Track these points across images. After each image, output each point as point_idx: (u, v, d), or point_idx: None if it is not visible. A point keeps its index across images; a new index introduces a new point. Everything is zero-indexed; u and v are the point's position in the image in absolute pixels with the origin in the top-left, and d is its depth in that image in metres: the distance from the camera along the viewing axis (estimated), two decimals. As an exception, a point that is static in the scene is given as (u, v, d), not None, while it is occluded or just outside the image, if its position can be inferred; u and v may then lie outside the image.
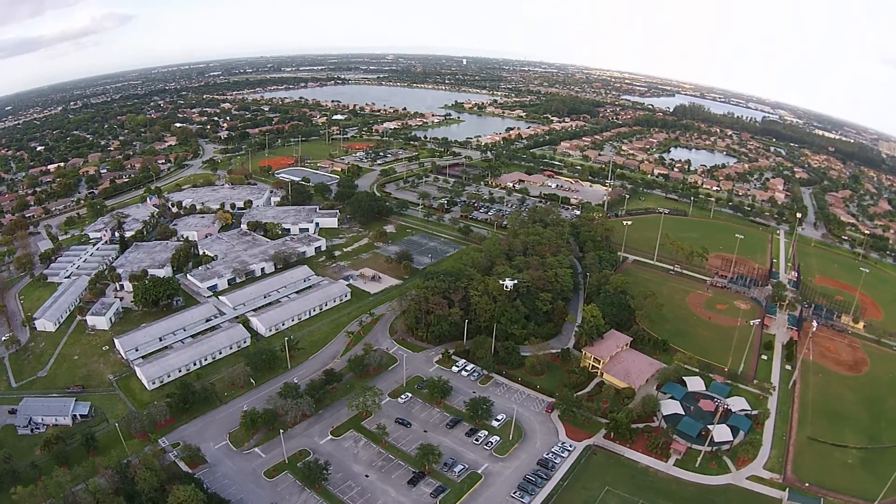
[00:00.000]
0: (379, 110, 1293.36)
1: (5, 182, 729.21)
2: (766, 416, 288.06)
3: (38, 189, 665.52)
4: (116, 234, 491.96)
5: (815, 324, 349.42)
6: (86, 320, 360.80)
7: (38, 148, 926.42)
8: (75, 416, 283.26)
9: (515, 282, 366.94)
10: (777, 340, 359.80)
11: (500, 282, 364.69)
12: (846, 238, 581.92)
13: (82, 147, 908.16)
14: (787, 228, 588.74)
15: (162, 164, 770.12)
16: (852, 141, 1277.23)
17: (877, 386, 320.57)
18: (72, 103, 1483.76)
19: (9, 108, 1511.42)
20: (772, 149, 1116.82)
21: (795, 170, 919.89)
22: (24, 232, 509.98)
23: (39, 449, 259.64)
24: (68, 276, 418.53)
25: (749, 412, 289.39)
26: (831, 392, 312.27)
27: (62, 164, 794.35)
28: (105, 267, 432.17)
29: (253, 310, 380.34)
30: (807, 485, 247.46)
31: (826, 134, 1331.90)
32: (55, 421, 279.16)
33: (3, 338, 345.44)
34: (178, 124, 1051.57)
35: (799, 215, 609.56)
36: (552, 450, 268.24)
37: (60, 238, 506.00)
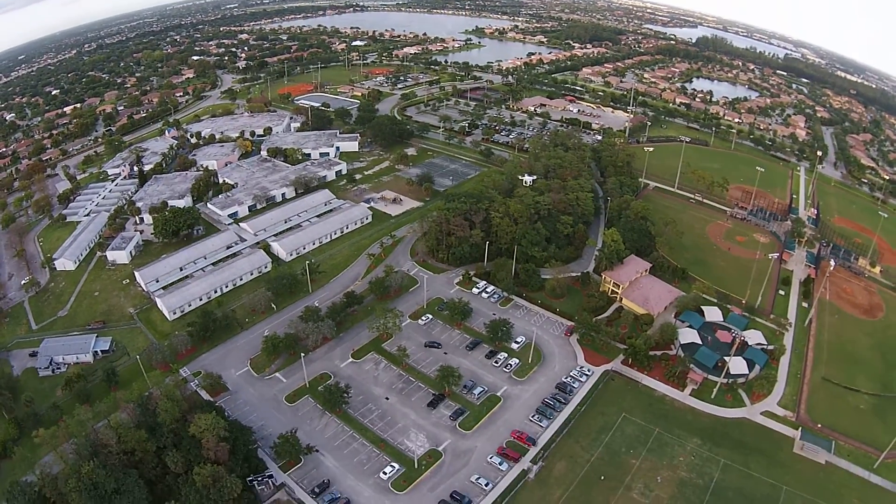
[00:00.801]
0: (399, 36, 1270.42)
1: (21, 128, 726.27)
2: (782, 352, 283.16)
3: (54, 132, 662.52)
4: (135, 168, 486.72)
5: (832, 263, 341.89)
6: (106, 256, 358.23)
7: (54, 92, 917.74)
8: (96, 352, 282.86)
9: (535, 177, 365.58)
10: (795, 277, 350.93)
11: (520, 177, 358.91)
12: (866, 181, 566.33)
13: (98, 87, 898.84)
14: (808, 166, 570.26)
15: (180, 97, 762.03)
16: (874, 86, 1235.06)
17: (892, 333, 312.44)
18: (86, 46, 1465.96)
19: (22, 56, 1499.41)
20: (794, 86, 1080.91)
21: (817, 108, 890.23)
22: (41, 175, 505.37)
23: (61, 389, 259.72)
24: (87, 215, 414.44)
25: (765, 346, 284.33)
26: (846, 334, 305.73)
27: (78, 104, 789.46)
28: (124, 202, 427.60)
29: (274, 235, 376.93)
30: (819, 426, 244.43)
31: (848, 76, 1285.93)
32: (76, 359, 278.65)
33: (23, 281, 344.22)
34: (195, 57, 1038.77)
35: (819, 153, 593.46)
36: (571, 374, 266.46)
37: (79, 177, 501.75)
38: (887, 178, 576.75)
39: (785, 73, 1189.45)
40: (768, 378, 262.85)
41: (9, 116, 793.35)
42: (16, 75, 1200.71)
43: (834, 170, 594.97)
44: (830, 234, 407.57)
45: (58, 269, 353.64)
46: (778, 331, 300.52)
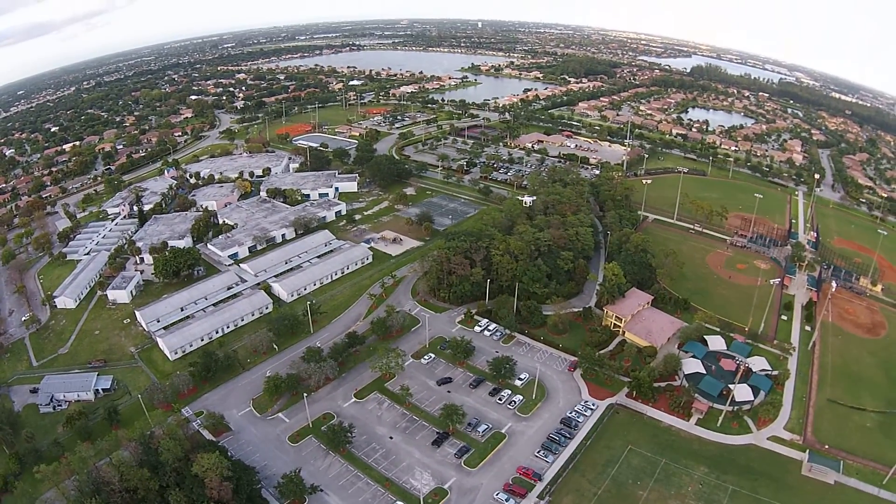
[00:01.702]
0: (395, 75, 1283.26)
1: (21, 164, 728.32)
2: (787, 376, 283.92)
3: (53, 169, 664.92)
4: (135, 208, 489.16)
5: (833, 285, 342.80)
6: (106, 295, 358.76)
7: (53, 129, 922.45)
8: (97, 390, 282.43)
9: (535, 198, 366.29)
10: (796, 301, 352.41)
11: (519, 198, 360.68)
12: (864, 201, 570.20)
13: (97, 125, 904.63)
14: (806, 189, 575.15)
15: (178, 136, 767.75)
16: (869, 105, 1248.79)
17: (895, 349, 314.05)
18: (85, 83, 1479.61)
19: (21, 92, 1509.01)
20: (789, 110, 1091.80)
21: (812, 132, 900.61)
22: (41, 212, 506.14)
23: (62, 426, 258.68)
24: (87, 253, 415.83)
25: (769, 372, 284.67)
26: (850, 354, 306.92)
27: (77, 142, 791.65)
28: (124, 241, 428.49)
29: (274, 276, 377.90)
30: (826, 447, 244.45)
31: (843, 97, 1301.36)
32: (77, 397, 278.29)
33: (24, 318, 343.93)
34: (193, 97, 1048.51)
35: (817, 176, 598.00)
36: (575, 408, 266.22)
37: (78, 216, 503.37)
38: (885, 195, 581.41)
39: (780, 98, 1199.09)
40: (774, 403, 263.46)
41: (8, 152, 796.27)
42: (15, 110, 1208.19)
43: (832, 191, 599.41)
44: (831, 256, 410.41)
45: (58, 306, 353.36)
46: (782, 356, 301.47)
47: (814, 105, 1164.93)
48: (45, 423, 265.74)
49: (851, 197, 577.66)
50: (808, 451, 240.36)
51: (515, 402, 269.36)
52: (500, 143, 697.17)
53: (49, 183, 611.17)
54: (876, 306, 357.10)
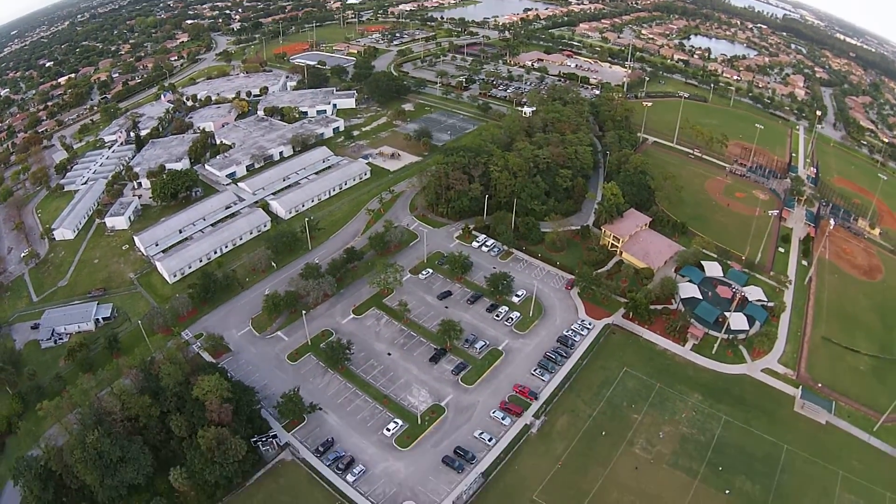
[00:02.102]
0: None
1: (16, 102, 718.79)
2: (782, 309, 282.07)
3: (49, 104, 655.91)
4: (132, 134, 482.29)
5: (832, 222, 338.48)
6: (105, 222, 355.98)
7: (48, 64, 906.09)
8: (98, 319, 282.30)
9: (534, 109, 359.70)
10: (794, 234, 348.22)
11: (519, 109, 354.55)
12: (865, 143, 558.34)
13: (92, 56, 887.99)
14: (807, 125, 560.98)
15: (175, 61, 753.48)
16: (874, 50, 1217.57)
17: (891, 295, 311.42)
18: (79, 16, 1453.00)
19: (14, 32, 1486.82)
20: (792, 45, 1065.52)
21: (816, 69, 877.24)
22: (37, 147, 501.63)
23: (63, 359, 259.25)
24: (85, 183, 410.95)
25: (765, 303, 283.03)
26: (846, 294, 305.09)
27: (73, 75, 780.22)
28: (122, 168, 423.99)
29: (272, 193, 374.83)
30: (819, 385, 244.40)
31: (847, 39, 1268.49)
32: (78, 328, 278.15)
33: (23, 254, 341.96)
34: (189, 21, 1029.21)
35: (819, 113, 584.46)
36: (572, 327, 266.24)
37: (75, 147, 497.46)
38: (886, 141, 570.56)
39: (784, 34, 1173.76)
40: (769, 335, 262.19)
41: (3, 92, 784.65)
42: (9, 51, 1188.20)
43: (833, 130, 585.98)
44: (830, 194, 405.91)
45: (57, 239, 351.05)
46: (778, 288, 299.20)
47: (818, 44, 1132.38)
48: (46, 358, 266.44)
49: (853, 137, 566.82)
50: (801, 387, 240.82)
51: (512, 319, 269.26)
52: (500, 61, 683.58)
53: (45, 117, 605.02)
54: (873, 249, 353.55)
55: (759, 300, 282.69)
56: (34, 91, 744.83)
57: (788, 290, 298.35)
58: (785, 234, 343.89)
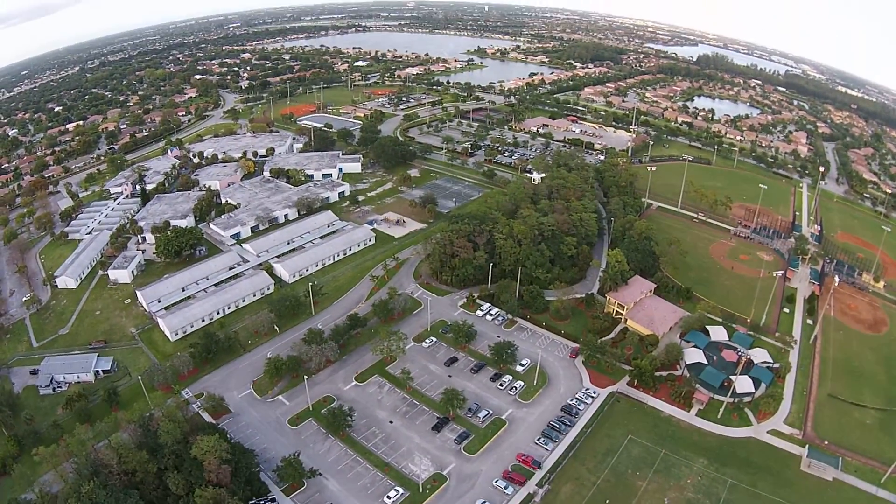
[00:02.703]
0: (401, 56, 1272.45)
1: (24, 144, 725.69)
2: (788, 369, 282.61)
3: (56, 149, 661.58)
4: (137, 187, 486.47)
5: (836, 279, 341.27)
6: (108, 275, 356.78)
7: (56, 108, 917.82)
8: (97, 371, 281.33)
9: (543, 175, 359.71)
10: (799, 294, 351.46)
11: (528, 174, 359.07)
12: (868, 196, 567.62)
13: (101, 104, 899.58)
14: (810, 182, 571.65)
15: (182, 116, 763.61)
16: (875, 100, 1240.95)
17: None
18: (89, 63, 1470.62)
19: (24, 72, 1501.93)
20: (795, 102, 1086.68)
21: (818, 124, 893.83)
22: (43, 192, 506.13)
23: (62, 407, 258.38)
24: (89, 233, 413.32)
25: (771, 365, 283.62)
26: (851, 350, 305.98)
27: (81, 122, 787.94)
28: (126, 221, 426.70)
29: (276, 256, 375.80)
30: (826, 443, 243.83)
31: (849, 91, 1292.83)
32: (77, 378, 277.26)
33: (24, 298, 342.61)
34: (197, 76, 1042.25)
35: (822, 169, 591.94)
36: (576, 396, 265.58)
37: (81, 195, 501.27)
38: (889, 191, 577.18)
39: (786, 90, 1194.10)
40: (774, 396, 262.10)
41: (11, 132, 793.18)
42: (18, 91, 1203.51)
43: (836, 185, 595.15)
44: (834, 251, 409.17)
45: (59, 286, 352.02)
46: (783, 348, 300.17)
47: (819, 98, 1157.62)
48: (44, 404, 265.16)
49: (856, 191, 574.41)
50: (807, 446, 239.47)
51: (516, 388, 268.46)
52: (505, 127, 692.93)
53: (52, 162, 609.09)
54: (878, 302, 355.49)
55: (764, 362, 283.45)
56: (42, 135, 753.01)
57: (794, 350, 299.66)
58: (790, 295, 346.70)
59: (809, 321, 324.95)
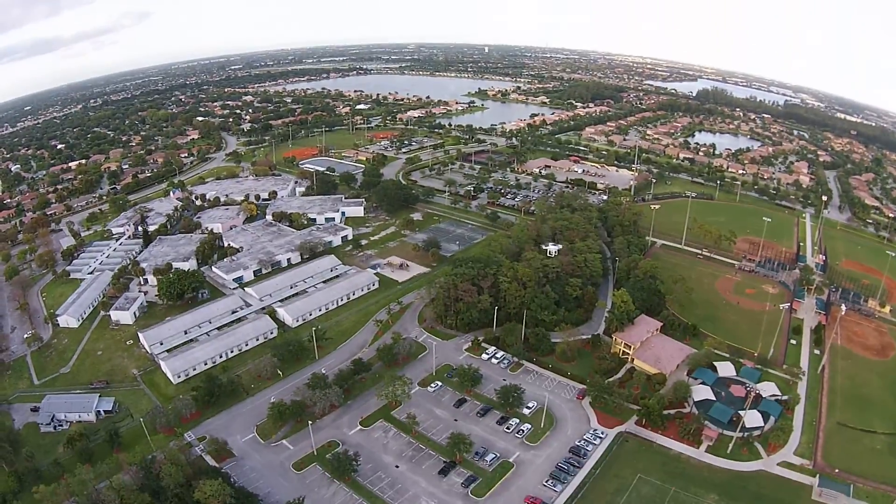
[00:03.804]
0: (402, 99, 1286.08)
1: (26, 181, 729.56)
2: (797, 401, 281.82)
3: (59, 186, 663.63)
4: (140, 228, 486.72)
5: (843, 308, 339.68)
6: (109, 315, 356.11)
7: (59, 146, 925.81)
8: (99, 412, 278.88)
9: (560, 247, 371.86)
10: (805, 325, 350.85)
11: (545, 247, 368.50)
12: (871, 221, 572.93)
13: (103, 143, 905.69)
14: (813, 212, 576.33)
15: (184, 157, 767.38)
16: (874, 124, 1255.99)
17: None
18: (91, 101, 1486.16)
19: (28, 108, 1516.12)
20: (795, 132, 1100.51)
21: (819, 153, 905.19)
22: (45, 230, 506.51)
23: (62, 446, 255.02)
24: (91, 272, 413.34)
25: (779, 397, 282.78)
26: (859, 377, 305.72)
27: (83, 160, 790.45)
28: (128, 262, 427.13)
29: (279, 300, 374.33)
30: (836, 471, 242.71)
31: (847, 117, 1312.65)
32: (78, 417, 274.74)
33: (26, 335, 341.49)
34: (199, 118, 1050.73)
35: (824, 198, 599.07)
36: (584, 437, 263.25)
37: (83, 234, 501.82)
38: (891, 216, 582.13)
39: (785, 120, 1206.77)
40: (784, 428, 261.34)
41: (14, 168, 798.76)
42: (21, 126, 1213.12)
43: (839, 213, 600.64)
44: (839, 279, 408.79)
45: (61, 325, 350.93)
46: (791, 380, 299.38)
47: (819, 126, 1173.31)
48: (45, 442, 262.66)
49: (858, 218, 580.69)
50: (818, 475, 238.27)
51: (523, 431, 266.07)
52: (508, 169, 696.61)
53: (54, 200, 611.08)
54: (884, 328, 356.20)
55: (773, 395, 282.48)
56: (45, 172, 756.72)
57: (802, 381, 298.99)
58: (796, 326, 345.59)
59: (817, 351, 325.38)
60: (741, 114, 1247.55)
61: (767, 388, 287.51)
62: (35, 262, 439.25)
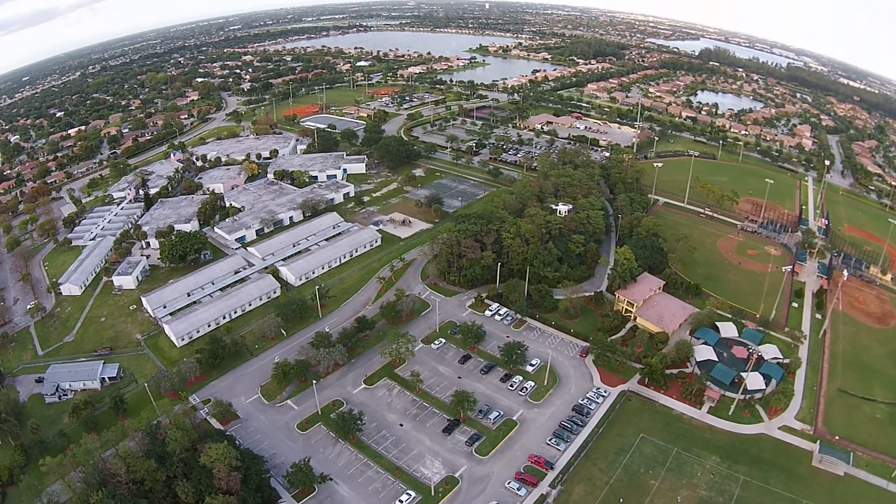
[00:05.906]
0: (403, 55, 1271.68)
1: (26, 151, 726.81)
2: (798, 365, 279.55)
3: (59, 154, 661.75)
4: (141, 192, 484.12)
5: (845, 273, 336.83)
6: (112, 281, 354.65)
7: (58, 114, 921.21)
8: (103, 379, 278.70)
9: (570, 206, 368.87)
10: (807, 288, 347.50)
11: (554, 207, 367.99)
12: (873, 188, 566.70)
13: (103, 109, 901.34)
14: (815, 175, 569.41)
15: (184, 119, 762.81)
16: (877, 91, 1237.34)
17: None
18: (90, 68, 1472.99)
19: (26, 78, 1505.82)
20: (798, 95, 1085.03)
21: (822, 117, 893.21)
22: (46, 198, 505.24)
23: (68, 416, 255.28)
24: (93, 239, 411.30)
25: (781, 360, 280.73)
26: (860, 344, 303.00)
27: (83, 127, 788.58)
28: (130, 226, 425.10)
29: (282, 259, 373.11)
30: (836, 438, 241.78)
31: (851, 83, 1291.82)
32: (83, 386, 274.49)
33: (28, 306, 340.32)
34: (199, 79, 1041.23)
35: (827, 163, 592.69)
36: (587, 395, 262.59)
37: (84, 201, 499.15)
38: (894, 184, 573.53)
39: (788, 83, 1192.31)
40: (785, 392, 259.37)
41: (13, 138, 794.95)
42: (20, 97, 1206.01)
43: (841, 178, 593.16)
44: (841, 244, 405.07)
45: (63, 293, 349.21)
46: (793, 344, 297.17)
47: (822, 90, 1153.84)
48: (50, 413, 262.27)
49: (861, 184, 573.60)
50: (818, 441, 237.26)
51: (527, 389, 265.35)
52: (510, 125, 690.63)
53: (54, 168, 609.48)
54: (885, 295, 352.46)
55: (774, 358, 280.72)
56: (44, 140, 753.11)
57: (803, 345, 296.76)
58: (798, 289, 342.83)
59: (818, 315, 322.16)
60: (744, 74, 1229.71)
61: (769, 351, 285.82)
62: (36, 231, 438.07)
